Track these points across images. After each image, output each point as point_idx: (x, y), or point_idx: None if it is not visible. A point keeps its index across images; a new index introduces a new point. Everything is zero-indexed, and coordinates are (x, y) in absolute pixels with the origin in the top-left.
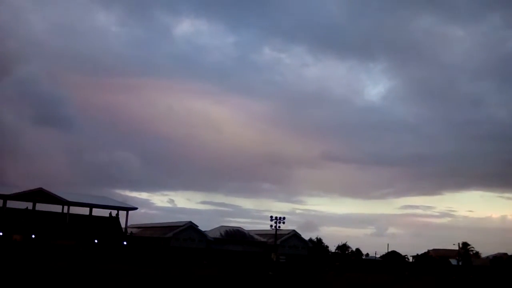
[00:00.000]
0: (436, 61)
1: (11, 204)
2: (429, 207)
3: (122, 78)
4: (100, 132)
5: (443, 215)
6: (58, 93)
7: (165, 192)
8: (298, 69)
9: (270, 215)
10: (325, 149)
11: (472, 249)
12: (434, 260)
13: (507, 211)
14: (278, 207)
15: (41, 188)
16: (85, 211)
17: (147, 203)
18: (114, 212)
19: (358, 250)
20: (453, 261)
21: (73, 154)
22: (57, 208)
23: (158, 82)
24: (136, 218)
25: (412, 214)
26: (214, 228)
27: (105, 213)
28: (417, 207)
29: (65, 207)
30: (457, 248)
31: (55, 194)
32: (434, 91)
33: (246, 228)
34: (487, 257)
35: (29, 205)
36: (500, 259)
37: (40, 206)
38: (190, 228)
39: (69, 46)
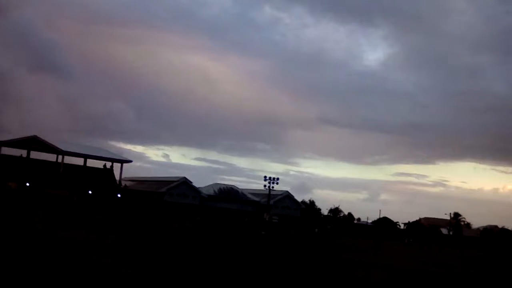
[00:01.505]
0: (436, 31)
1: (5, 151)
2: (422, 176)
3: (120, 28)
4: (97, 82)
5: (436, 184)
6: (55, 40)
7: (160, 147)
8: (298, 29)
9: (264, 175)
10: (321, 112)
11: (463, 219)
12: (425, 228)
13: (499, 184)
14: (272, 168)
15: (36, 136)
16: (79, 161)
17: (141, 157)
18: (108, 164)
19: (350, 214)
20: (444, 231)
21: (68, 103)
22: (51, 157)
23: (157, 34)
24: (130, 171)
25: (405, 181)
26: (208, 185)
27: (99, 164)
28: (410, 175)
29: (60, 157)
30: (448, 217)
31: (49, 143)
32: (433, 60)
33: (240, 187)
34: (478, 228)
35: (23, 153)
36: (491, 231)
37: (35, 154)
38: (184, 183)
39: None
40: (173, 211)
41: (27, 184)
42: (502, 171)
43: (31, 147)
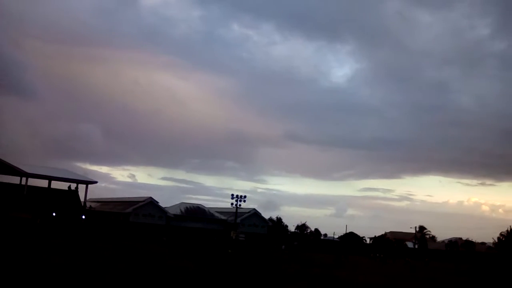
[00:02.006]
0: (403, 46)
1: None
2: (388, 190)
3: (86, 48)
4: (62, 102)
5: (402, 198)
6: (20, 60)
7: (126, 167)
8: (266, 47)
9: (231, 193)
10: (289, 129)
11: (429, 232)
12: (390, 242)
13: (464, 197)
14: (240, 186)
15: None
16: (44, 183)
17: (107, 177)
18: (73, 185)
19: (317, 230)
20: (410, 244)
21: (32, 124)
22: (15, 180)
23: (123, 53)
24: (96, 192)
25: (372, 196)
26: (175, 205)
27: (64, 186)
28: (376, 189)
29: (23, 179)
30: (413, 231)
31: (13, 165)
32: (399, 75)
33: (207, 206)
34: (443, 241)
35: None
36: (455, 243)
37: None
38: (150, 204)
39: (31, 10)
40: (139, 231)
41: None
42: (467, 184)
43: None
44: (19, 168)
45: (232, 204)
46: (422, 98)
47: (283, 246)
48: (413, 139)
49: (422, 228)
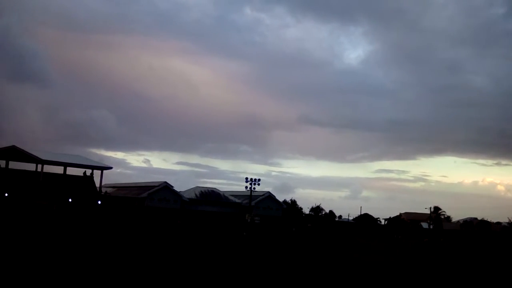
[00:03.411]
0: (416, 26)
1: None
2: (403, 172)
3: (99, 35)
4: (76, 89)
5: (417, 179)
6: (34, 48)
7: (141, 152)
8: (279, 30)
9: (246, 176)
10: (303, 112)
11: (444, 213)
12: (405, 223)
13: (479, 177)
14: (254, 169)
15: (14, 146)
16: (59, 170)
17: (122, 163)
18: (88, 171)
19: (331, 212)
20: (425, 225)
21: (48, 112)
22: (30, 167)
23: (136, 39)
24: (111, 178)
25: (386, 178)
26: (189, 189)
27: (79, 172)
28: (391, 171)
29: (39, 166)
30: (428, 212)
31: (28, 152)
32: (413, 56)
33: (221, 189)
34: (458, 221)
35: (2, 163)
36: (470, 223)
37: (14, 164)
38: (165, 188)
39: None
40: (154, 216)
41: (6, 195)
42: (482, 164)
43: (10, 157)
44: (34, 155)
45: (246, 187)
46: (437, 79)
47: (294, 229)
48: (427, 120)
49: (437, 208)
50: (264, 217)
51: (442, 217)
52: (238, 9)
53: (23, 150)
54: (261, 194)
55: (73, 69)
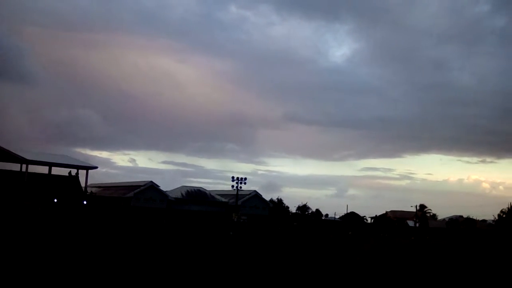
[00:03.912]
0: (402, 24)
1: None
2: (389, 170)
3: (84, 33)
4: (61, 88)
5: (403, 177)
6: (19, 46)
7: (127, 152)
8: (264, 28)
9: (232, 175)
10: (288, 110)
11: (429, 211)
12: (391, 221)
13: (464, 175)
14: (241, 168)
15: None
16: (44, 170)
17: (108, 163)
18: (73, 171)
19: (318, 210)
20: (410, 223)
21: (32, 111)
22: (15, 167)
23: (121, 38)
24: (96, 177)
25: (372, 176)
26: (176, 188)
27: (64, 172)
28: (377, 169)
29: (24, 166)
30: (414, 210)
31: (12, 152)
32: (398, 54)
33: (208, 189)
34: (444, 219)
35: None
36: (456, 221)
37: None
38: (151, 188)
39: None
40: (141, 215)
41: None
42: (467, 161)
43: None
44: (19, 155)
45: (232, 186)
46: (422, 77)
47: (280, 228)
48: (413, 118)
49: (422, 206)
50: (251, 216)
51: (428, 215)
52: (223, 7)
53: (7, 149)
54: (248, 193)
55: (58, 68)
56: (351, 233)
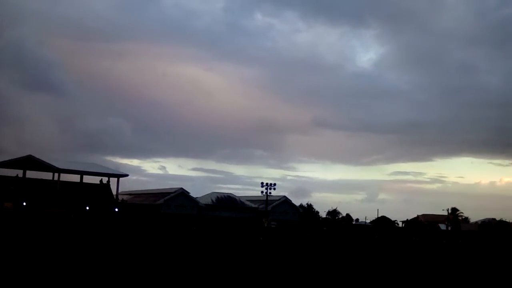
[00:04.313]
0: (428, 27)
1: (1, 171)
2: (419, 173)
3: (112, 43)
4: (91, 98)
5: (434, 181)
6: (49, 58)
7: (157, 159)
8: (290, 35)
9: (261, 181)
10: (316, 116)
11: (461, 214)
12: (423, 225)
13: (496, 177)
14: (270, 174)
15: (31, 155)
16: (75, 178)
17: (138, 170)
18: (105, 179)
19: (348, 215)
20: (442, 226)
21: (64, 121)
22: (47, 176)
23: (149, 47)
24: (127, 185)
25: (403, 180)
26: (206, 195)
27: (96, 180)
28: (407, 173)
29: (56, 174)
30: (446, 213)
31: (45, 161)
32: (426, 57)
33: (237, 195)
34: (476, 223)
35: (19, 173)
36: (489, 224)
37: (31, 174)
38: (182, 194)
39: (58, 9)
40: (171, 222)
41: (24, 204)
42: (499, 164)
43: (27, 166)
44: (51, 164)
45: (262, 192)
46: (451, 80)
47: (309, 233)
48: (443, 121)
49: (454, 210)
50: (281, 221)
51: (460, 218)
52: (248, 15)
53: (39, 159)
54: (277, 198)
55: (87, 78)
56: (377, 237)
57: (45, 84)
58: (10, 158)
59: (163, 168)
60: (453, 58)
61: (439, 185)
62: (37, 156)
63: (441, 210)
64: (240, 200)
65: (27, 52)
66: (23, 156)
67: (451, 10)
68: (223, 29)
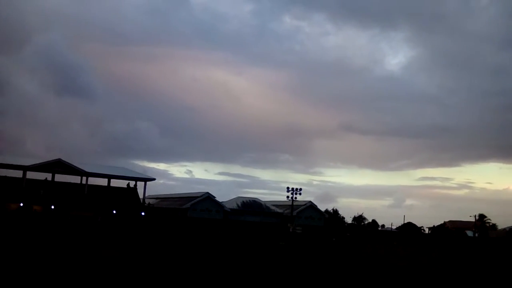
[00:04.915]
0: (459, 30)
1: (30, 175)
2: (447, 179)
3: (140, 47)
4: (120, 102)
5: (461, 187)
6: (78, 62)
7: (183, 163)
8: (319, 38)
9: (287, 186)
10: (344, 120)
11: (489, 221)
12: (450, 231)
13: None
14: (295, 178)
15: (60, 159)
16: (103, 181)
17: (165, 174)
18: (132, 183)
19: (374, 221)
20: (469, 233)
21: (92, 124)
22: (75, 179)
23: (178, 51)
24: (154, 189)
25: (430, 185)
26: (231, 199)
27: (123, 183)
28: (435, 178)
29: (84, 178)
30: (473, 220)
31: (73, 165)
32: (456, 60)
33: (263, 199)
34: (504, 229)
35: (48, 176)
36: None
37: (59, 177)
38: (208, 199)
39: (87, 14)
40: (197, 226)
41: (52, 207)
42: None
43: (56, 170)
44: (79, 168)
45: (288, 197)
46: (481, 83)
47: (334, 239)
48: (472, 126)
49: (482, 216)
50: (306, 227)
51: (488, 225)
52: (277, 18)
53: (68, 163)
54: (303, 203)
55: (117, 82)
56: (396, 243)
57: (75, 89)
58: (39, 162)
59: (190, 172)
60: (483, 61)
61: (467, 191)
62: (66, 160)
63: (468, 216)
64: (265, 205)
65: (58, 56)
66: (53, 160)
67: (483, 11)
68: (251, 32)
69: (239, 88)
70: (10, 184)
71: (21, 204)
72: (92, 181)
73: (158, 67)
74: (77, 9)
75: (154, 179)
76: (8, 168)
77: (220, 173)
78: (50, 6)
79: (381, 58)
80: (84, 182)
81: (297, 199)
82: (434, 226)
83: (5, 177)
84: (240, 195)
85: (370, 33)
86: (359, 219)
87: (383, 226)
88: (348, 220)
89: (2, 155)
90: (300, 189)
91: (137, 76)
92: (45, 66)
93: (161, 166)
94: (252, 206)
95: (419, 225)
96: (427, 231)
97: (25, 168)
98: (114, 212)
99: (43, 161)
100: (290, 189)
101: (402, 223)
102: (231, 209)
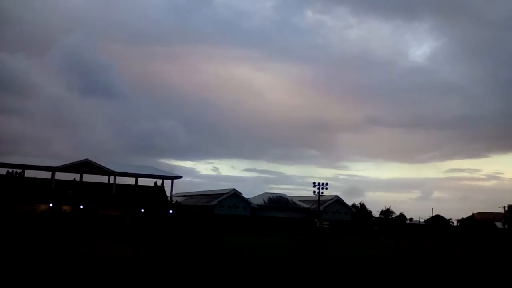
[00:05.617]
0: (483, 19)
1: (59, 175)
2: (475, 170)
3: (163, 46)
4: (145, 101)
5: (490, 178)
6: (103, 62)
7: (210, 160)
8: (341, 31)
9: (313, 181)
10: (369, 113)
11: None
12: (479, 223)
13: None
14: (322, 173)
15: (87, 159)
16: (130, 181)
17: (191, 172)
18: (159, 181)
19: (402, 214)
20: (499, 224)
21: (118, 124)
22: (103, 179)
23: (201, 49)
24: (181, 187)
25: (458, 177)
26: (258, 195)
27: (150, 182)
28: (463, 170)
29: (111, 178)
30: (503, 211)
31: (101, 165)
32: (481, 50)
33: (289, 195)
34: None
35: (76, 177)
36: None
37: (87, 177)
38: (234, 195)
39: (111, 15)
40: (224, 223)
41: (81, 207)
42: None
43: (83, 170)
44: (107, 168)
45: (314, 192)
46: (507, 72)
47: (362, 233)
48: (499, 115)
49: (511, 207)
50: (333, 221)
51: None
52: (299, 13)
53: (95, 163)
54: (329, 198)
55: (141, 81)
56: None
57: (100, 89)
58: (67, 163)
59: (216, 169)
60: (509, 50)
61: (495, 181)
62: (93, 160)
63: (497, 208)
64: (292, 201)
65: (83, 58)
66: (80, 161)
67: None
68: (273, 27)
69: (262, 84)
70: (39, 185)
71: (51, 205)
72: (120, 180)
73: (181, 66)
74: (101, 10)
75: (181, 177)
76: (37, 170)
77: (246, 170)
78: (75, 8)
79: (405, 50)
80: (111, 181)
81: (323, 194)
82: (462, 218)
83: (35, 178)
84: (266, 191)
85: (393, 25)
86: (386, 212)
87: (411, 219)
88: (376, 214)
89: (31, 157)
90: (327, 184)
91: (160, 75)
92: (70, 67)
93: (187, 164)
94: (278, 202)
95: (447, 218)
96: (455, 223)
97: (53, 169)
98: (142, 210)
99: (71, 162)
100: (316, 184)
101: (430, 216)
102: (257, 205)
